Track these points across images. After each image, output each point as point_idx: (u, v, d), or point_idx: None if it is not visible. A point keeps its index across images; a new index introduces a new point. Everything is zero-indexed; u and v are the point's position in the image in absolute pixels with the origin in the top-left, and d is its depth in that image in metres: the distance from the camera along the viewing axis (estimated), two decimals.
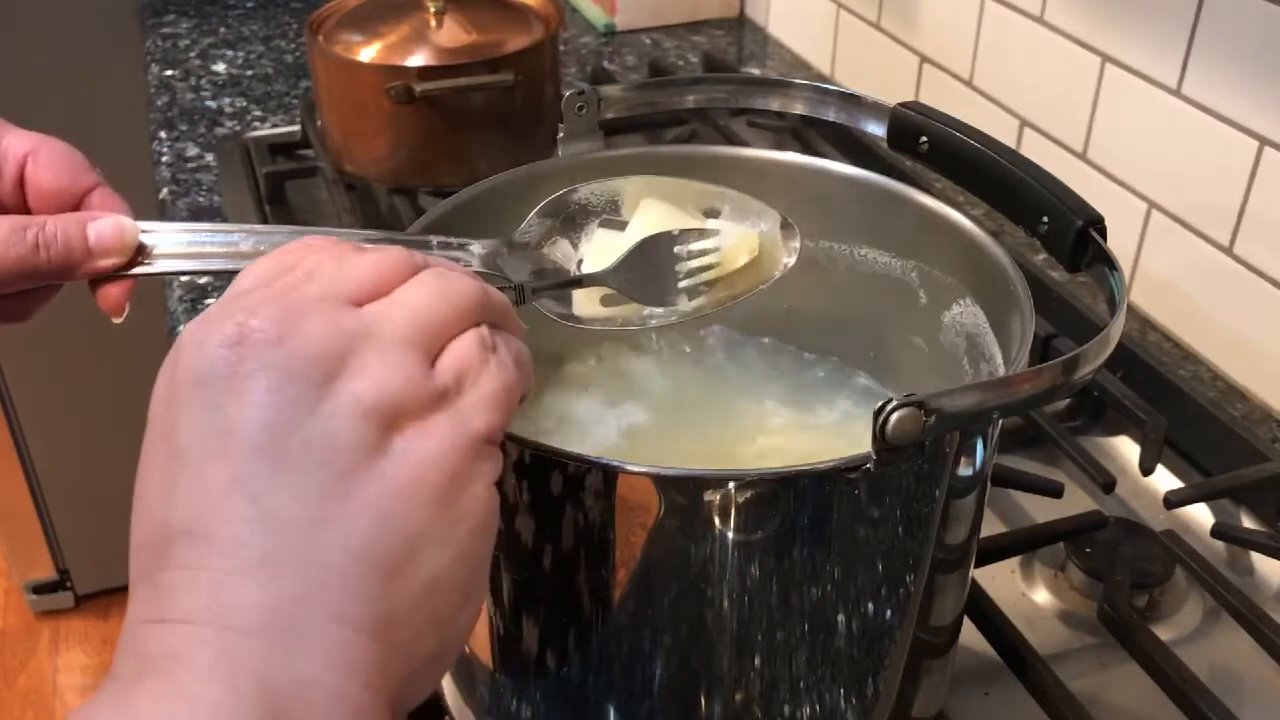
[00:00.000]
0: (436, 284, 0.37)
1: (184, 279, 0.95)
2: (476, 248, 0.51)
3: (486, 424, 0.36)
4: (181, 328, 0.85)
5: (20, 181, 0.49)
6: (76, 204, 0.49)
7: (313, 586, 0.32)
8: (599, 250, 0.55)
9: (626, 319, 0.54)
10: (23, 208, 0.49)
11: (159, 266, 0.48)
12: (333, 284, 0.36)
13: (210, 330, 0.34)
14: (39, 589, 2.05)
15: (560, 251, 0.54)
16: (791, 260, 0.56)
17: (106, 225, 0.47)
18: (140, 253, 0.48)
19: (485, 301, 0.38)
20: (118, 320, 0.49)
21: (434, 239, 0.50)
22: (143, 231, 0.48)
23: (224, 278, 0.94)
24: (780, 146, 1.13)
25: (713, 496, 0.43)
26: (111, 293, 0.48)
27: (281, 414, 0.33)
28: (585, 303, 0.54)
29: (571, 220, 0.55)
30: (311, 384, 0.33)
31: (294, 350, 0.34)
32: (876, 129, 0.60)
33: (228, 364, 0.33)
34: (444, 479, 0.34)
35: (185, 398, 0.34)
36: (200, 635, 0.31)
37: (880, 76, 1.22)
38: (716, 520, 0.44)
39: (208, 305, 0.92)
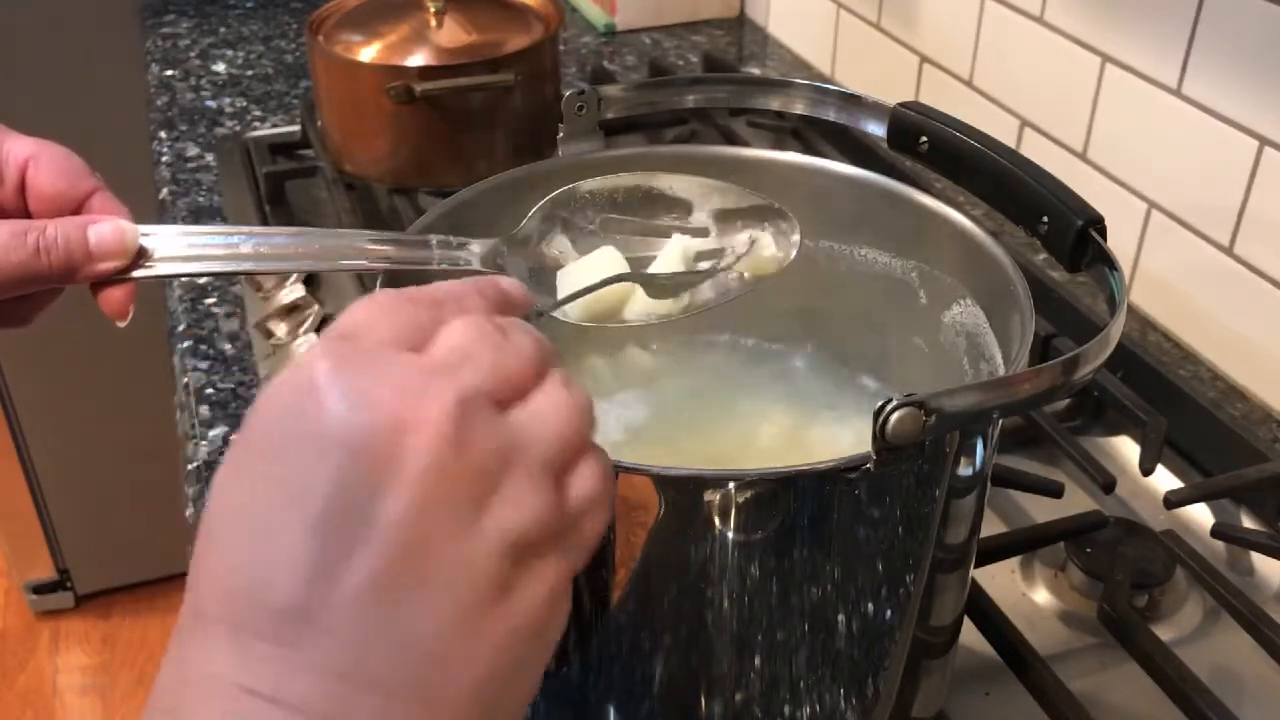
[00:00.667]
0: (569, 395, 0.35)
1: (184, 279, 0.96)
2: (476, 247, 0.51)
3: (588, 558, 0.35)
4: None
5: (21, 186, 0.49)
6: (77, 208, 0.49)
7: (425, 716, 0.31)
8: (594, 264, 0.55)
9: (623, 317, 0.54)
10: (23, 212, 0.49)
11: (160, 269, 0.48)
12: (489, 378, 0.34)
13: (376, 396, 0.31)
14: (39, 589, 2.05)
15: (559, 249, 0.54)
16: (792, 254, 0.56)
17: (107, 228, 0.47)
18: (141, 255, 0.48)
19: (594, 416, 0.37)
20: (122, 324, 0.49)
21: (434, 239, 0.50)
22: (143, 234, 0.48)
23: (224, 278, 0.95)
24: (780, 146, 1.13)
25: (713, 496, 0.43)
26: (114, 296, 0.48)
27: (437, 528, 0.31)
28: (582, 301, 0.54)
29: (571, 219, 0.55)
30: (470, 502, 0.32)
31: (465, 460, 0.32)
32: (876, 129, 0.60)
33: (396, 450, 0.31)
34: (549, 615, 0.34)
35: (331, 461, 0.31)
36: None
37: (880, 76, 1.22)
38: (716, 520, 0.44)
39: (207, 305, 0.93)
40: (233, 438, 0.34)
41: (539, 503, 0.33)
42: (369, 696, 0.30)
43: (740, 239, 0.56)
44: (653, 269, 0.55)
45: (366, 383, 0.32)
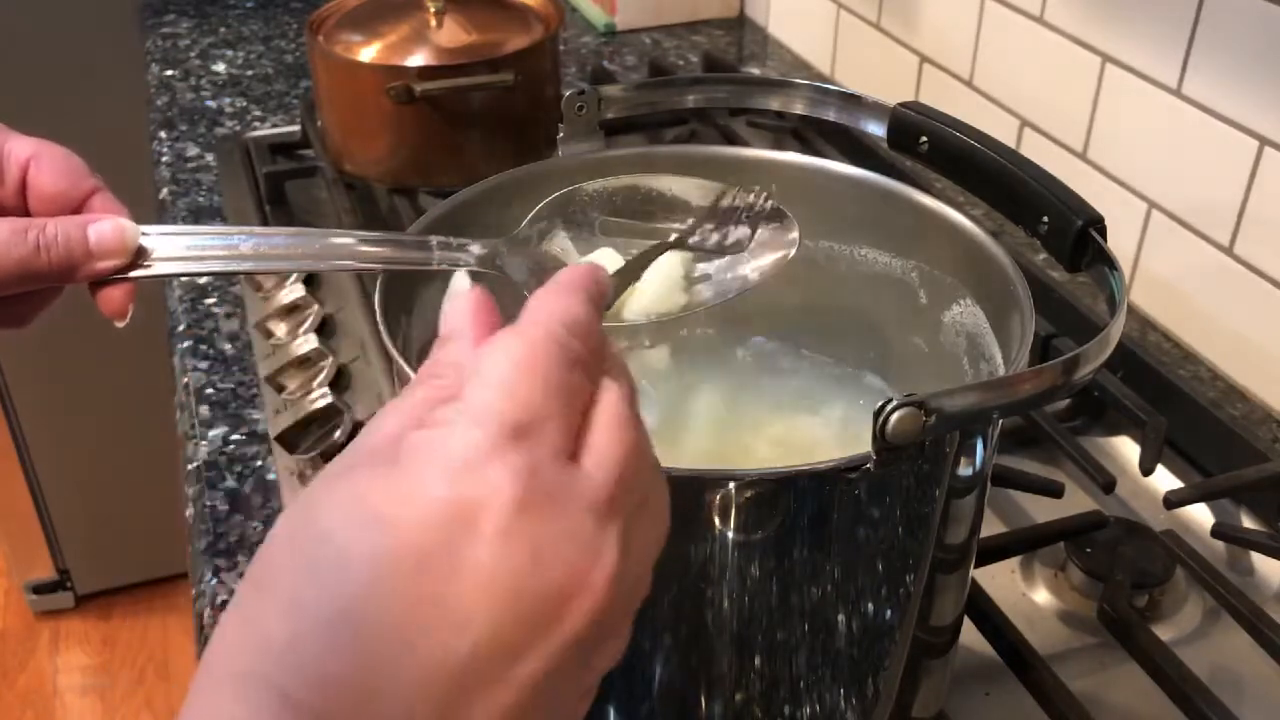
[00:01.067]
0: (660, 537, 0.35)
1: (184, 279, 0.96)
2: (476, 248, 0.51)
3: None
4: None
5: (22, 186, 0.49)
6: (77, 208, 0.49)
7: None
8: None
9: (622, 316, 0.54)
10: (24, 212, 0.49)
11: (159, 269, 0.48)
12: (637, 509, 0.33)
13: (547, 552, 0.30)
14: (39, 589, 2.05)
15: (560, 249, 0.54)
16: (790, 253, 0.55)
17: (107, 227, 0.47)
18: (140, 255, 0.48)
19: None
20: (121, 324, 0.49)
21: (433, 239, 0.50)
22: (143, 234, 0.48)
23: (224, 278, 0.95)
24: (780, 146, 1.13)
25: (713, 496, 0.43)
26: (113, 296, 0.48)
27: (556, 687, 0.31)
28: None
29: (572, 219, 0.55)
30: (588, 659, 0.32)
31: (600, 631, 0.32)
32: (876, 129, 0.60)
33: (552, 617, 0.30)
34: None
35: (492, 607, 0.30)
36: None
37: (880, 76, 1.22)
38: (716, 520, 0.44)
39: (208, 305, 0.93)
40: (359, 496, 0.31)
41: (625, 644, 0.34)
42: None
43: (739, 238, 0.56)
44: (652, 268, 0.55)
45: (548, 535, 0.31)
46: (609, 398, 0.35)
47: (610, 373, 0.36)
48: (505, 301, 0.53)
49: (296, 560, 0.30)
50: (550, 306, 0.35)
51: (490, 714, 0.30)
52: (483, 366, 0.33)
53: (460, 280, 0.49)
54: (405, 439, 0.32)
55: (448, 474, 0.31)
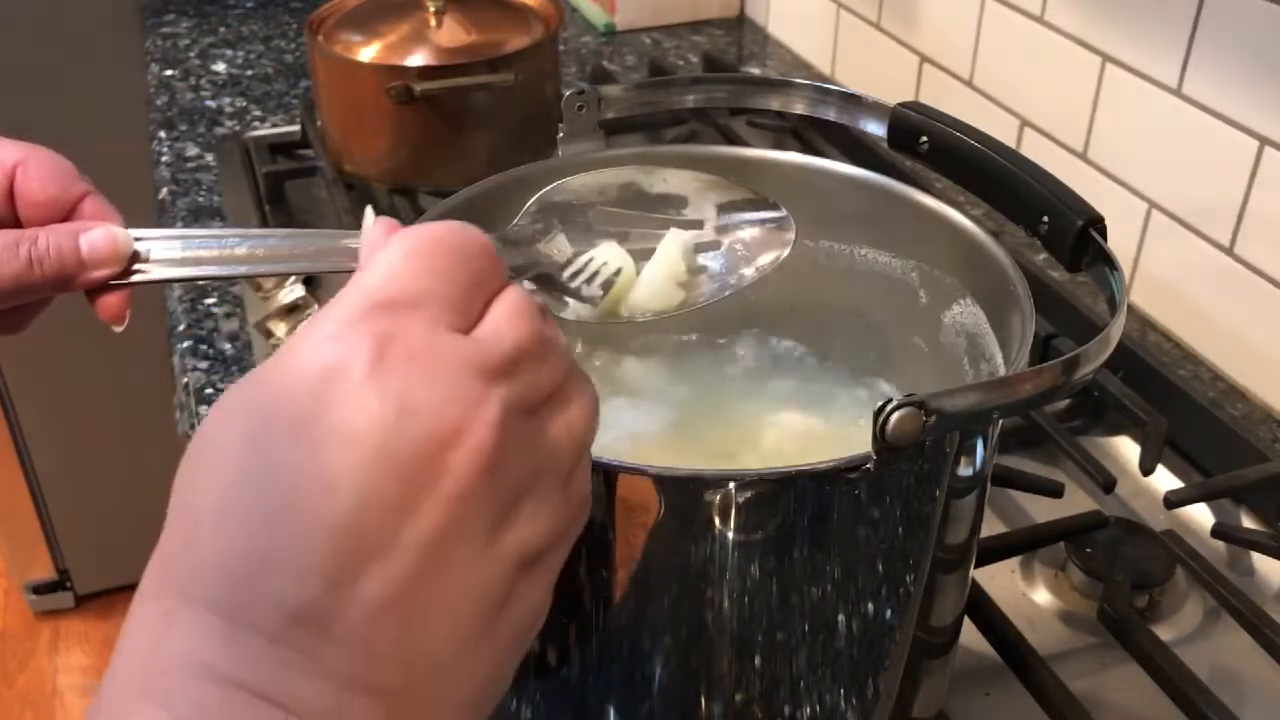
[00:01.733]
0: (591, 400, 0.35)
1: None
2: None
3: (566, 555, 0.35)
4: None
5: (10, 193, 0.48)
6: (67, 213, 0.48)
7: None
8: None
9: (619, 314, 0.54)
10: (13, 219, 0.48)
11: (154, 274, 0.48)
12: (534, 388, 0.32)
13: (418, 400, 0.30)
14: (39, 589, 2.05)
15: (556, 246, 0.54)
16: (785, 252, 0.55)
17: (99, 236, 0.47)
18: (134, 261, 0.47)
19: None
20: (119, 329, 0.49)
21: None
22: (136, 240, 0.47)
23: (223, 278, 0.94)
24: (780, 146, 1.13)
25: (713, 496, 0.43)
26: (110, 303, 0.48)
27: (457, 547, 0.30)
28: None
29: (567, 215, 0.55)
30: (494, 521, 0.31)
31: (497, 483, 0.31)
32: (876, 129, 0.60)
33: (431, 468, 0.30)
34: (542, 615, 0.34)
35: (364, 464, 0.29)
36: None
37: (880, 76, 1.22)
38: (716, 520, 0.44)
39: (207, 305, 0.93)
40: (234, 392, 0.31)
41: (557, 517, 0.33)
42: (367, 705, 0.30)
43: (735, 235, 0.56)
44: (650, 264, 0.55)
45: (415, 386, 0.30)
46: (513, 292, 0.34)
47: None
48: None
49: (185, 479, 0.31)
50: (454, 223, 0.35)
51: (386, 583, 0.29)
52: (375, 258, 0.33)
53: (369, 217, 0.49)
54: None
55: (311, 346, 0.31)
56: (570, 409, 0.34)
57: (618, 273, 0.53)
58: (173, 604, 0.30)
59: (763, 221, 0.56)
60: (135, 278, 0.47)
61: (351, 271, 0.50)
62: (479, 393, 0.31)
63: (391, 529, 0.29)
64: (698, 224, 0.56)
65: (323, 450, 0.29)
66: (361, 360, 0.30)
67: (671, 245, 0.55)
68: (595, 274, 0.54)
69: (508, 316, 0.33)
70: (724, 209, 0.56)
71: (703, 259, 0.56)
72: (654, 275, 0.54)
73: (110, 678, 0.30)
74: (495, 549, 0.31)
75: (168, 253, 0.48)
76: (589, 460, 0.36)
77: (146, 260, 0.48)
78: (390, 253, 0.33)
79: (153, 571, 0.31)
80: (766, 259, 0.56)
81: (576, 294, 0.53)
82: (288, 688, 0.29)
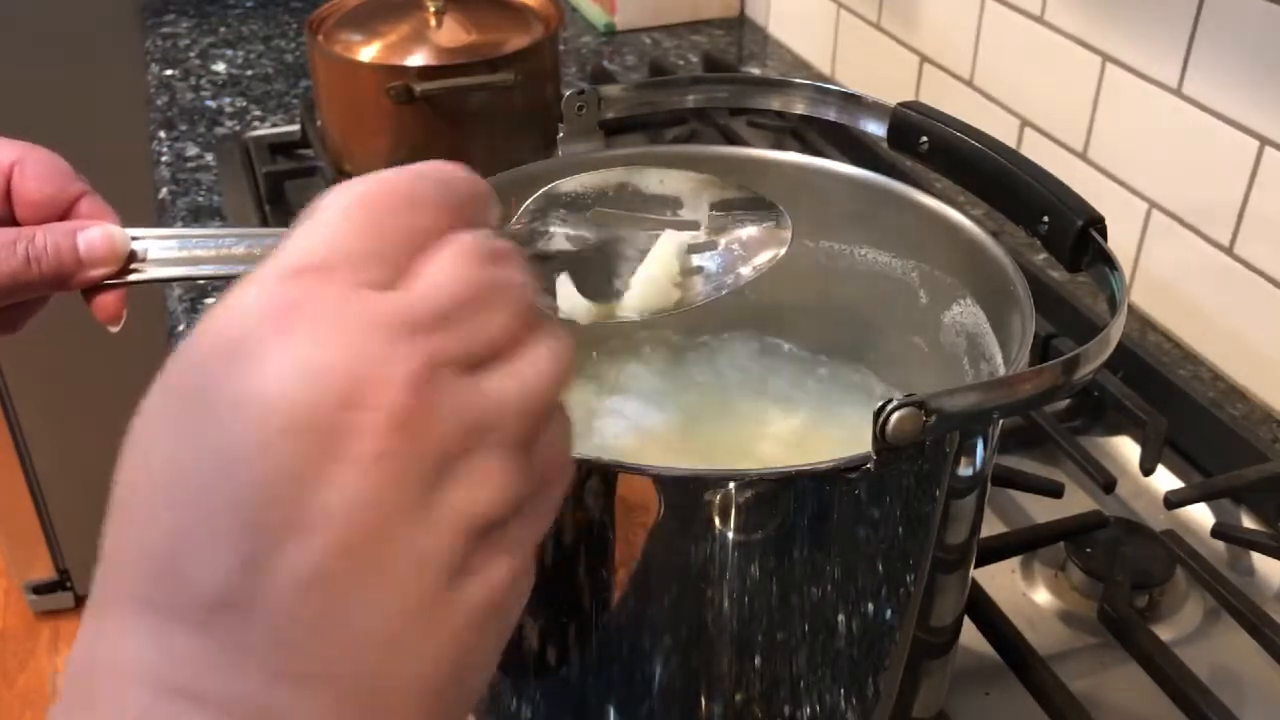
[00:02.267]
0: (553, 357, 0.31)
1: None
2: None
3: (545, 531, 0.32)
4: (207, 305, 0.84)
5: (7, 193, 0.48)
6: (64, 212, 0.48)
7: (372, 711, 0.28)
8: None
9: (615, 313, 0.54)
10: (10, 219, 0.48)
11: (151, 273, 0.48)
12: (466, 342, 0.29)
13: (320, 360, 0.27)
14: (39, 589, 2.04)
15: (554, 245, 0.54)
16: (782, 251, 0.55)
17: (96, 235, 0.47)
18: (132, 260, 0.47)
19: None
20: (115, 329, 0.49)
21: None
22: (133, 239, 0.47)
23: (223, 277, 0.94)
24: (780, 146, 1.13)
25: (713, 496, 0.43)
26: (106, 302, 0.48)
27: (383, 515, 0.28)
28: (573, 297, 0.54)
29: (563, 215, 0.55)
30: (425, 484, 0.28)
31: (418, 442, 0.28)
32: (876, 129, 0.60)
33: (339, 429, 0.27)
34: (508, 599, 0.31)
35: (267, 439, 0.27)
36: None
37: (880, 76, 1.22)
38: (716, 520, 0.44)
39: (207, 305, 0.93)
40: (164, 370, 0.29)
41: (507, 481, 0.30)
42: (305, 695, 0.28)
43: (732, 234, 0.56)
44: (644, 264, 0.55)
45: (318, 345, 0.27)
46: (461, 239, 0.31)
47: (477, 224, 0.32)
48: None
49: (120, 468, 0.30)
50: (419, 166, 0.32)
51: (304, 558, 0.27)
52: (306, 220, 0.31)
53: None
54: None
55: (224, 316, 0.29)
56: (522, 362, 0.31)
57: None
58: (105, 606, 0.29)
59: (760, 221, 0.56)
60: (132, 277, 0.47)
61: None
62: (392, 349, 0.28)
63: (302, 500, 0.27)
64: (694, 224, 0.56)
65: (228, 423, 0.27)
66: (268, 328, 0.28)
67: (666, 245, 0.55)
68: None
69: (447, 265, 0.30)
70: (721, 208, 0.56)
71: (699, 259, 0.56)
72: (648, 275, 0.54)
73: (64, 684, 0.29)
74: (431, 514, 0.28)
75: (165, 252, 0.48)
76: (562, 424, 0.33)
77: (144, 259, 0.48)
78: (322, 212, 0.31)
79: (97, 577, 0.30)
80: (763, 258, 0.56)
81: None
82: (215, 682, 0.27)
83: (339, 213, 0.30)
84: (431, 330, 0.29)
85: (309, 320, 0.28)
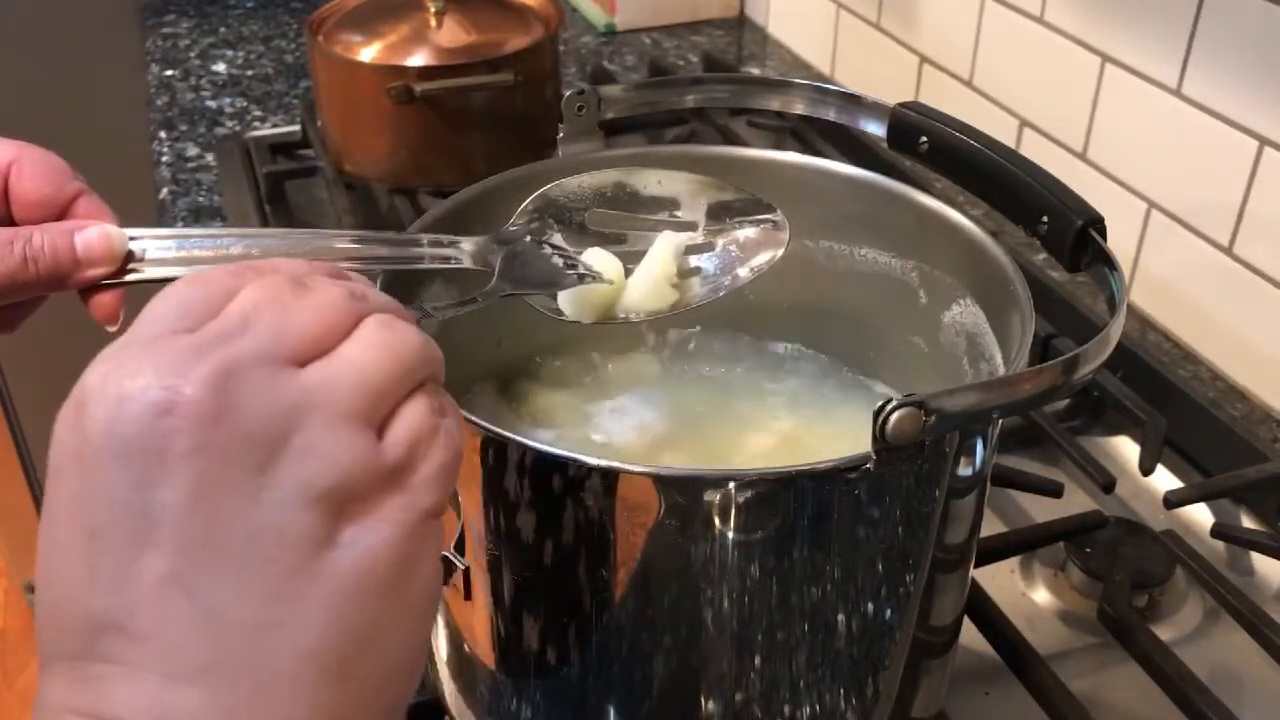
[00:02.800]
0: (382, 338, 0.34)
1: None
2: (467, 245, 0.51)
3: (437, 500, 0.34)
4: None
5: (3, 192, 0.48)
6: (61, 212, 0.48)
7: (261, 693, 0.30)
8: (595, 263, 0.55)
9: (613, 314, 0.55)
10: (6, 217, 0.48)
11: (149, 273, 0.47)
12: (271, 340, 0.32)
13: (131, 387, 0.30)
14: None
15: (553, 246, 0.54)
16: (779, 253, 0.55)
17: (94, 234, 0.46)
18: (129, 260, 0.47)
19: (430, 355, 0.35)
20: (112, 329, 0.48)
21: (424, 237, 0.50)
22: (130, 238, 0.47)
23: None
24: (780, 146, 1.13)
25: (713, 496, 0.43)
26: (104, 302, 0.48)
27: (221, 503, 0.30)
28: (573, 298, 0.54)
29: (562, 215, 0.55)
30: (253, 467, 0.30)
31: (233, 429, 0.30)
32: (876, 129, 0.60)
33: (156, 438, 0.30)
34: (395, 568, 0.32)
35: (101, 467, 0.30)
36: None
37: (880, 76, 1.22)
38: (716, 520, 0.44)
39: None
40: None
41: (340, 451, 0.31)
42: (194, 689, 0.30)
43: (730, 235, 0.56)
44: (642, 266, 0.55)
45: (129, 376, 0.30)
46: (263, 279, 0.34)
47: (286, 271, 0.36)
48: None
49: None
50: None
51: (158, 560, 0.30)
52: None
53: None
54: None
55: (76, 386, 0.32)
56: (345, 348, 0.33)
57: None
58: (42, 662, 0.32)
59: (758, 222, 0.56)
60: (130, 277, 0.47)
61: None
62: (188, 363, 0.31)
63: (146, 509, 0.30)
64: (692, 225, 0.56)
65: (73, 472, 0.31)
66: (88, 380, 0.31)
67: (663, 246, 0.55)
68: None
69: (247, 296, 0.33)
70: (719, 210, 0.57)
71: (697, 260, 0.56)
72: (646, 276, 0.54)
73: None
74: (265, 493, 0.31)
75: (162, 252, 0.48)
76: (424, 401, 0.34)
77: (141, 259, 0.47)
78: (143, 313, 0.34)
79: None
80: (761, 259, 0.56)
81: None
82: (118, 698, 0.30)
83: (160, 295, 0.34)
84: (227, 341, 0.32)
85: (120, 364, 0.31)
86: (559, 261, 0.54)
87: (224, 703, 0.30)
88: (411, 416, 0.34)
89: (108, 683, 0.30)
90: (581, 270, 0.53)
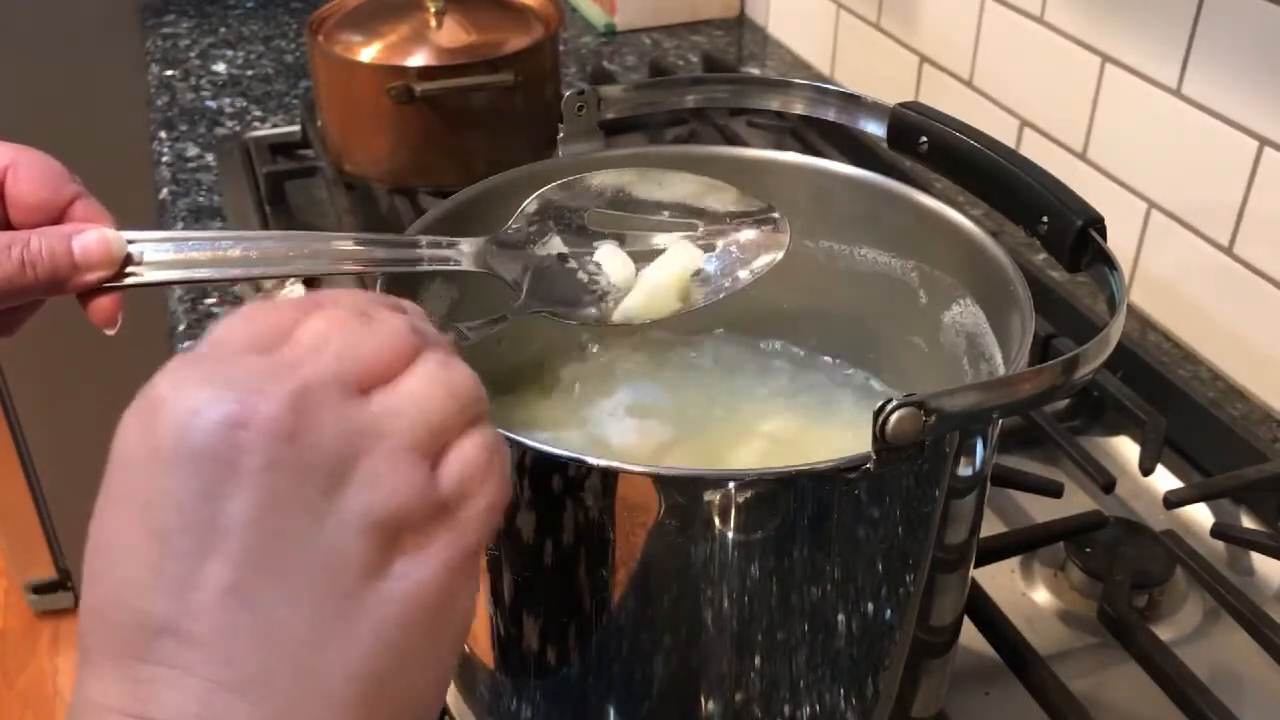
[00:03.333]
0: (441, 375, 0.35)
1: None
2: (466, 247, 0.51)
3: (482, 539, 0.35)
4: (180, 348, 0.85)
5: (0, 195, 0.48)
6: (59, 215, 0.48)
7: (300, 709, 0.31)
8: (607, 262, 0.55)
9: (610, 317, 0.55)
10: (3, 221, 0.48)
11: (147, 277, 0.47)
12: (341, 365, 0.33)
13: (207, 398, 0.31)
14: (39, 589, 2.05)
15: (552, 248, 0.54)
16: (780, 255, 0.56)
17: (92, 238, 0.46)
18: (127, 263, 0.47)
19: (481, 394, 0.36)
20: (110, 332, 0.48)
21: (423, 239, 0.50)
22: (129, 242, 0.47)
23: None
24: (780, 146, 1.13)
25: (713, 496, 0.43)
26: (102, 305, 0.47)
27: (286, 520, 0.31)
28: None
29: (562, 216, 0.55)
30: (320, 490, 0.31)
31: (305, 449, 0.31)
32: (876, 129, 0.60)
33: (229, 450, 0.31)
34: (440, 600, 0.33)
35: (173, 471, 0.31)
36: None
37: (880, 76, 1.22)
38: (716, 520, 0.44)
39: (208, 305, 0.93)
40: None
41: (401, 482, 0.32)
42: (241, 700, 0.30)
43: (731, 238, 0.56)
44: (655, 272, 0.55)
45: (205, 390, 0.31)
46: (330, 310, 0.35)
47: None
48: (499, 299, 0.53)
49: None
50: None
51: (222, 571, 0.30)
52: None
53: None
54: None
55: (143, 391, 0.33)
56: (407, 383, 0.34)
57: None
58: (84, 655, 0.32)
59: (758, 224, 0.56)
60: (128, 280, 0.47)
61: (345, 273, 0.50)
62: (268, 382, 0.32)
63: (213, 518, 0.30)
64: (692, 226, 0.56)
65: (143, 476, 0.31)
66: (162, 388, 0.32)
67: (679, 257, 0.55)
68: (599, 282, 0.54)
69: (316, 324, 0.34)
70: (719, 212, 0.57)
71: (698, 262, 0.56)
72: (657, 282, 0.54)
73: None
74: (330, 517, 0.31)
75: (161, 255, 0.47)
76: (479, 439, 0.35)
77: (139, 262, 0.47)
78: (211, 329, 0.36)
79: (79, 628, 0.33)
80: (762, 262, 0.56)
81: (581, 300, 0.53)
82: (167, 702, 0.30)
83: (228, 318, 0.35)
84: (301, 364, 0.33)
85: (199, 376, 0.32)
86: (584, 278, 0.54)
87: (265, 715, 0.30)
88: (464, 454, 0.35)
89: (158, 685, 0.30)
90: (603, 289, 0.54)
